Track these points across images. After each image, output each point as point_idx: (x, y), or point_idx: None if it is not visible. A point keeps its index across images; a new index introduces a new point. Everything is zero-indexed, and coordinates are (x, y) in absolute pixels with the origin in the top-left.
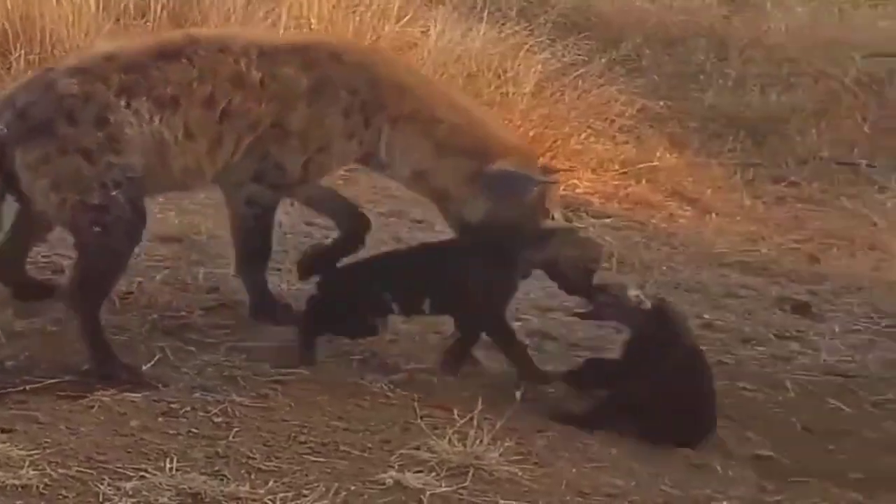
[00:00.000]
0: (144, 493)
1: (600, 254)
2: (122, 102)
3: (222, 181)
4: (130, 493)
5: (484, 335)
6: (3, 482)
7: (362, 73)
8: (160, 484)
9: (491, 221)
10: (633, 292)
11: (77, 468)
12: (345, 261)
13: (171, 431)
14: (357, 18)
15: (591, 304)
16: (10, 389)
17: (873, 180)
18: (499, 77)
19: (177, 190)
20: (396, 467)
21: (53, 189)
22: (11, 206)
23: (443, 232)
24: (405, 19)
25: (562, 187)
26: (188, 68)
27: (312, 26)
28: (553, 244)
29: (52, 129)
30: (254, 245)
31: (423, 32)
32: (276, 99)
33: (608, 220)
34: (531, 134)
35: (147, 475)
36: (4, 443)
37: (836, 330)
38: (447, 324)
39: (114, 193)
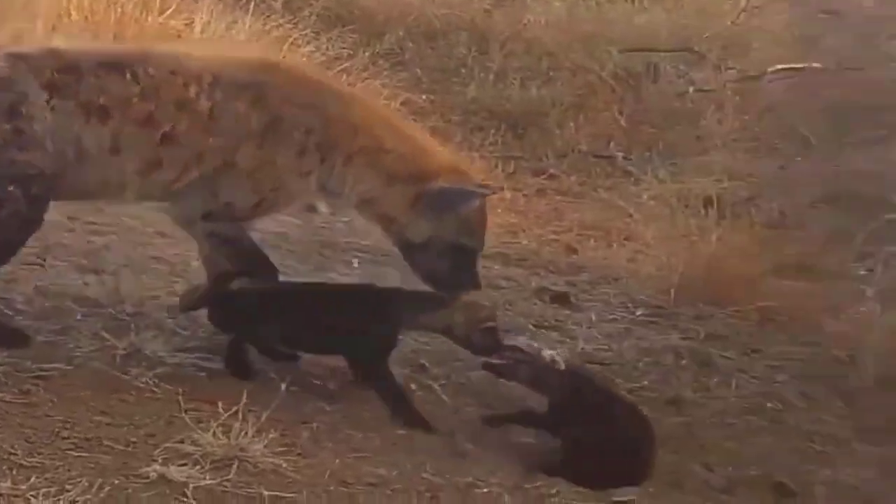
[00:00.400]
0: None
1: (491, 312)
2: (44, 97)
3: (172, 215)
4: None
5: None
6: None
7: (315, 113)
8: None
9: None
10: (547, 353)
11: None
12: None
13: None
14: (119, 10)
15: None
16: None
17: (629, 173)
18: None
19: (91, 199)
20: (160, 461)
21: None
22: None
23: None
24: (168, 11)
25: None
26: (129, 83)
27: (72, 18)
28: (442, 314)
29: None
30: (237, 268)
31: (186, 24)
32: (226, 134)
33: None
34: None
35: None
36: None
37: (593, 319)
38: (203, 313)
39: (10, 188)
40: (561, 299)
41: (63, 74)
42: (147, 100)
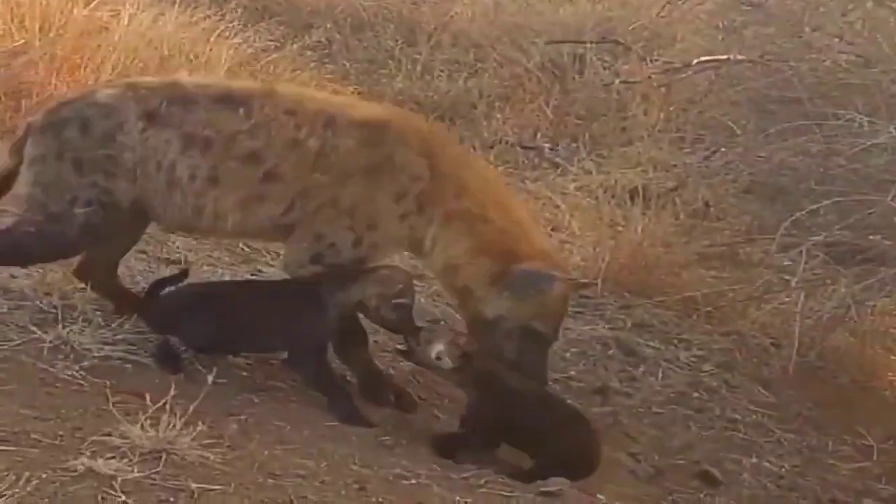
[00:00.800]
0: None
1: (406, 289)
2: (140, 127)
3: (283, 262)
4: None
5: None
6: None
7: (428, 164)
8: None
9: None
10: (437, 348)
11: None
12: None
13: None
14: (44, 2)
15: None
16: None
17: (556, 164)
18: (191, 62)
19: (191, 230)
20: (88, 454)
21: (34, 184)
22: None
23: None
24: (94, 2)
25: None
26: (241, 119)
27: None
28: (355, 287)
29: (61, 131)
30: (344, 326)
31: (112, 16)
32: (333, 170)
33: None
34: None
35: None
36: None
37: None
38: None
39: (76, 210)
40: None
41: (173, 105)
42: (255, 137)
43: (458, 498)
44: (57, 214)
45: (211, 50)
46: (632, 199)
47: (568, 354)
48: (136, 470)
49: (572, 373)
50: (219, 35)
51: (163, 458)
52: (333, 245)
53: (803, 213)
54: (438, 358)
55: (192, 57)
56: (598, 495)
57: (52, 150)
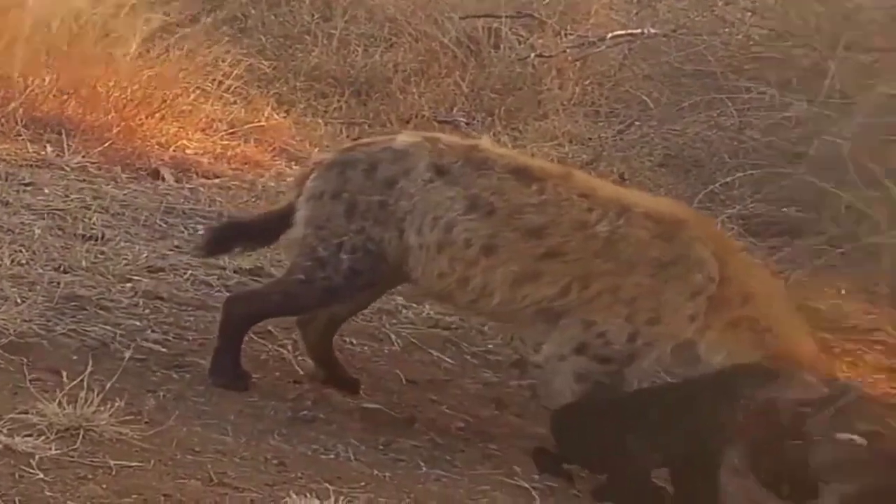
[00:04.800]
0: None
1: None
2: (426, 177)
3: (545, 352)
4: None
5: None
6: None
7: (719, 266)
8: None
9: None
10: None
11: None
12: None
13: None
14: None
15: None
16: None
17: (471, 137)
18: (104, 37)
19: (446, 301)
20: (5, 432)
21: (307, 223)
22: None
23: None
24: None
25: (171, 148)
26: (531, 193)
27: None
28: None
29: (345, 170)
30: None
31: None
32: (620, 259)
33: (217, 181)
34: (139, 94)
35: None
36: None
37: None
38: (47, 282)
39: (342, 256)
40: None
41: (467, 166)
42: (542, 213)
43: (376, 472)
44: (324, 259)
45: (124, 24)
46: None
47: (486, 328)
48: (53, 447)
49: (489, 346)
50: (131, 8)
51: (80, 436)
52: (603, 335)
53: (717, 185)
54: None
55: (104, 32)
56: (516, 467)
57: (331, 188)
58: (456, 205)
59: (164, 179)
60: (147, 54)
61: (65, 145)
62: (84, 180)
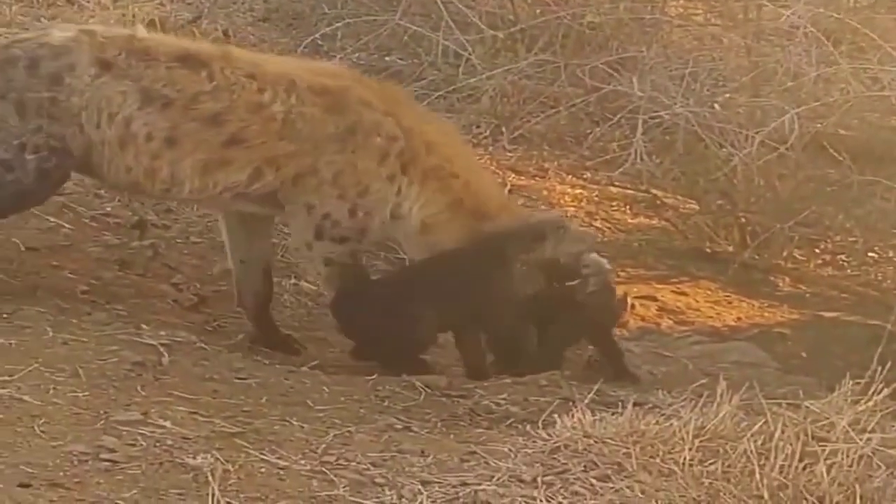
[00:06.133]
0: None
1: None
2: (91, 72)
3: (296, 250)
4: None
5: None
6: None
7: (395, 122)
8: None
9: None
10: None
11: None
12: None
13: None
14: None
15: None
16: None
17: (72, 1)
18: None
19: (142, 192)
20: None
21: None
22: None
23: None
24: None
25: None
26: (202, 81)
27: None
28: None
29: (5, 70)
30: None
31: None
32: (302, 139)
33: None
34: None
35: None
36: None
37: None
38: None
39: (27, 156)
40: None
41: (132, 58)
42: (217, 99)
43: (1, 340)
44: (9, 162)
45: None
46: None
47: (102, 191)
48: None
49: (108, 209)
50: None
51: None
52: (328, 216)
53: (318, 36)
54: None
55: None
56: (143, 325)
57: None
58: (129, 100)
59: None
60: None
61: None
62: None
